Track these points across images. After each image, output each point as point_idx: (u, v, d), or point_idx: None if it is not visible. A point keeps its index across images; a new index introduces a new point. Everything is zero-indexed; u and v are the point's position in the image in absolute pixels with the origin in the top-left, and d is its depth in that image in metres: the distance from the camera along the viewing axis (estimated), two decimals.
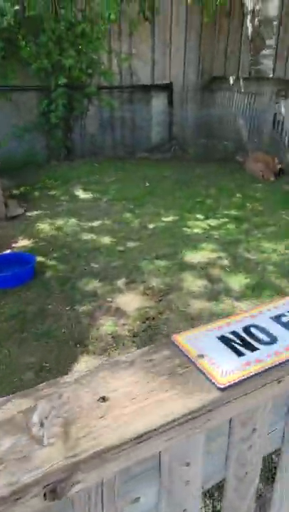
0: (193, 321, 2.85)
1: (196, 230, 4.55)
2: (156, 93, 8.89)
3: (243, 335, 0.75)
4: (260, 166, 6.76)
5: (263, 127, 7.29)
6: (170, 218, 4.90)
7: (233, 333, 0.76)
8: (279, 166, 6.67)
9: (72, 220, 4.80)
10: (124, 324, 2.77)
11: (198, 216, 4.99)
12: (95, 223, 4.76)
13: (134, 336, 2.61)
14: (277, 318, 0.80)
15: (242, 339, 0.75)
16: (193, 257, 3.87)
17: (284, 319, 0.80)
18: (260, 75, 7.76)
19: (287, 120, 6.65)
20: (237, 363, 0.69)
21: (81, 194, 5.79)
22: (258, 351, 0.72)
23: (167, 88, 8.99)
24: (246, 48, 8.76)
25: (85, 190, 5.94)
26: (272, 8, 7.74)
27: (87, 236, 4.38)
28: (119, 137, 8.64)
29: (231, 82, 8.30)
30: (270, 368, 0.69)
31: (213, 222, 4.81)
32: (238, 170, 7.22)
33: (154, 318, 2.86)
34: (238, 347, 0.73)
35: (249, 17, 8.10)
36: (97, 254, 3.94)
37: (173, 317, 2.90)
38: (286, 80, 6.75)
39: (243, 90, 7.91)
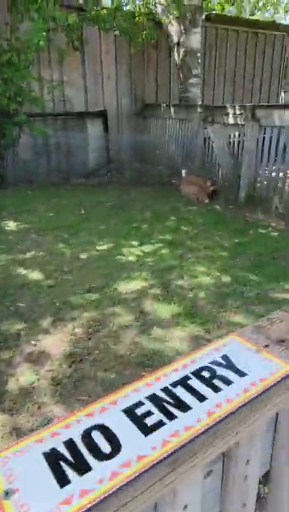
0: (123, 358, 2.69)
1: (130, 258, 4.44)
2: (92, 120, 8.86)
3: (80, 446, 0.56)
4: (194, 188, 6.87)
5: (195, 151, 7.45)
6: (104, 246, 4.76)
7: (68, 443, 0.57)
8: (212, 188, 6.81)
9: (1, 254, 4.50)
10: (47, 370, 2.54)
11: (133, 243, 4.89)
12: (26, 256, 4.50)
13: (57, 384, 2.39)
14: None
15: (75, 452, 0.56)
16: (126, 287, 3.74)
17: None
18: (189, 102, 8.01)
19: (216, 144, 6.84)
20: (52, 501, 0.49)
21: (12, 225, 5.50)
22: (89, 475, 0.53)
23: (102, 115, 9.00)
24: (176, 77, 9.06)
25: (16, 220, 5.66)
26: (195, 41, 8.07)
27: (16, 271, 4.11)
28: (55, 164, 8.46)
29: (162, 109, 8.47)
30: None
31: (147, 248, 4.73)
32: (174, 193, 7.29)
33: (81, 360, 2.66)
34: (65, 467, 0.53)
35: (175, 48, 8.38)
36: (25, 291, 3.68)
37: (102, 357, 2.72)
38: (213, 106, 6.98)
39: (174, 117, 8.09)
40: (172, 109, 8.15)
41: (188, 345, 2.82)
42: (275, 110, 5.51)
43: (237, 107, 6.23)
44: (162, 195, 7.20)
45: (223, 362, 0.74)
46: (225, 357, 0.76)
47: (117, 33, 7.36)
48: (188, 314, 3.27)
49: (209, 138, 7.07)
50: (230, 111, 6.37)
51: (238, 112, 6.19)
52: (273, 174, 5.84)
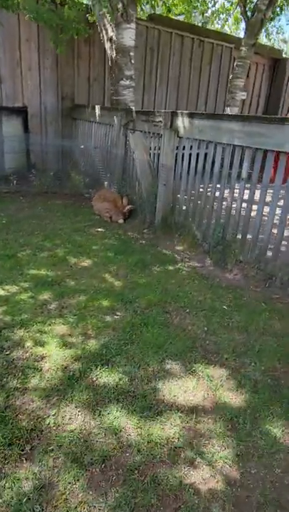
0: None
1: None
2: (8, 117, 7.32)
3: None
4: (107, 205, 5.54)
5: (115, 162, 6.14)
6: None
7: None
8: (128, 208, 5.51)
9: None
10: None
11: None
12: None
13: None
14: None
15: None
16: None
17: None
18: (121, 105, 6.67)
19: (136, 156, 5.55)
20: None
21: None
22: None
23: (22, 112, 7.48)
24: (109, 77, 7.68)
25: None
26: (128, 38, 6.74)
27: None
28: None
29: (88, 111, 7.10)
30: None
31: (5, 290, 3.31)
32: (87, 209, 5.96)
33: None
34: None
35: (108, 45, 7.01)
36: None
37: None
38: (135, 111, 5.68)
39: (98, 121, 6.74)
40: (97, 112, 6.80)
41: None
42: (197, 120, 4.28)
43: (157, 113, 4.96)
44: (72, 210, 5.84)
45: None
46: None
47: (28, 16, 5.88)
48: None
49: (130, 147, 5.78)
50: (151, 117, 5.09)
51: (156, 119, 4.92)
52: (193, 197, 4.61)
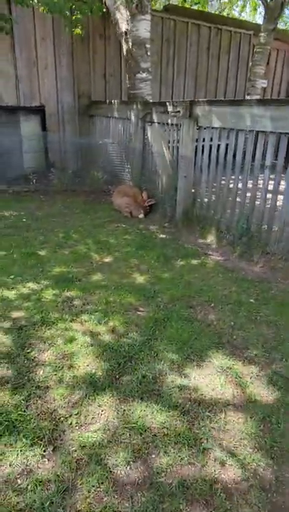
0: None
1: None
2: (26, 116, 7.34)
3: None
4: (127, 200, 5.45)
5: (133, 156, 6.05)
6: None
7: None
8: (149, 201, 5.40)
9: None
10: None
11: (8, 280, 3.44)
12: None
13: None
14: None
15: None
16: None
17: None
18: (138, 99, 6.57)
19: (155, 149, 5.43)
20: None
21: None
22: None
23: (39, 111, 7.49)
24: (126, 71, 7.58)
25: None
26: (143, 30, 6.62)
27: None
28: None
29: (106, 107, 7.02)
30: None
31: (27, 287, 3.29)
32: (107, 205, 5.90)
33: None
34: None
35: (123, 38, 6.91)
36: None
37: None
38: (153, 103, 5.56)
39: (116, 116, 6.66)
40: (115, 107, 6.72)
41: None
42: (217, 107, 4.12)
43: (175, 103, 4.82)
44: (91, 207, 5.80)
45: None
46: None
47: (41, 9, 5.82)
48: None
49: (148, 141, 5.67)
50: (169, 108, 4.96)
51: (175, 110, 4.79)
52: (215, 188, 4.46)
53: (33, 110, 7.35)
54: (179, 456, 1.79)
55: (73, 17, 6.32)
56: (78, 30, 6.64)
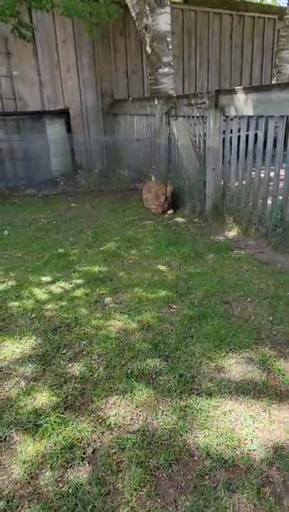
0: None
1: (25, 305, 3.02)
2: (51, 120, 7.44)
3: None
4: (154, 197, 5.40)
5: (159, 152, 5.99)
6: (0, 286, 3.35)
7: None
8: (164, 198, 5.31)
9: None
10: None
11: (44, 278, 3.48)
12: None
13: None
14: None
15: None
16: None
17: None
18: (161, 95, 6.50)
19: (180, 142, 5.34)
20: None
21: None
22: None
23: (64, 114, 7.58)
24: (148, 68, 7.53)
25: None
26: (163, 23, 6.53)
27: None
28: (9, 172, 7.09)
29: (129, 104, 7.00)
30: None
31: (60, 287, 3.31)
32: (135, 203, 5.88)
33: None
34: None
35: (143, 34, 6.86)
36: None
37: None
38: (176, 96, 5.47)
39: (139, 112, 6.61)
40: (138, 104, 6.68)
41: None
42: (244, 94, 3.97)
43: (200, 94, 4.71)
44: (119, 206, 5.79)
45: None
46: None
47: (60, 11, 5.85)
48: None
49: (173, 136, 5.59)
50: (194, 100, 4.85)
51: (200, 101, 4.68)
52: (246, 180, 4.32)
53: (57, 113, 7.44)
54: (223, 458, 1.71)
55: (92, 21, 6.31)
56: (96, 34, 6.60)
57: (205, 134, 4.76)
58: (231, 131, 4.31)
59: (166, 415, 1.94)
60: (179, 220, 5.02)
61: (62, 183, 6.94)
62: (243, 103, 3.95)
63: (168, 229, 4.68)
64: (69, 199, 6.39)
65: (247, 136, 4.07)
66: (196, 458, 1.73)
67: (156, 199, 5.26)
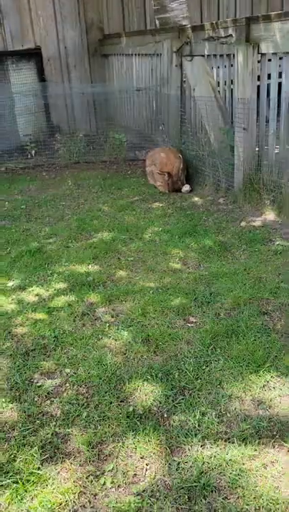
0: None
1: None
2: (17, 63, 7.49)
3: None
4: (157, 169, 5.44)
5: (168, 106, 6.01)
6: None
7: None
8: (166, 173, 5.31)
9: None
10: None
11: (12, 283, 3.52)
12: None
13: None
14: None
15: None
16: None
17: None
18: (170, 25, 6.49)
19: (197, 92, 5.35)
20: None
21: None
22: None
23: (34, 56, 7.61)
24: None
25: None
26: None
27: None
28: None
29: (124, 41, 7.01)
30: None
31: (33, 294, 3.34)
32: (136, 177, 5.93)
33: None
34: None
35: None
36: None
37: None
38: (190, 27, 5.47)
39: (139, 51, 6.62)
40: (136, 40, 6.69)
41: None
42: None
43: (224, 23, 4.71)
44: (114, 183, 5.83)
45: None
46: None
47: None
48: None
49: (188, 83, 5.61)
50: (216, 32, 4.85)
51: (224, 34, 4.68)
52: None
53: (25, 54, 7.47)
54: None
55: None
56: None
57: (232, 81, 4.77)
58: (269, 77, 4.31)
59: (183, 469, 1.95)
60: (197, 200, 5.07)
61: (33, 152, 6.97)
62: (287, 35, 3.95)
63: (182, 213, 4.72)
64: (44, 174, 6.43)
65: None
66: None
67: (165, 173, 5.27)
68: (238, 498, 1.82)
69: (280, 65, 4.17)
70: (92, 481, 1.92)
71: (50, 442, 2.11)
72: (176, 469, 1.95)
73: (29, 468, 1.98)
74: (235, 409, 2.23)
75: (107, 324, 2.94)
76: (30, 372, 2.55)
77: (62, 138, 7.21)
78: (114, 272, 3.60)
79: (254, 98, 4.44)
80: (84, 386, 2.43)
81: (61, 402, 2.34)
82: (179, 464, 1.97)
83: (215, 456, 1.99)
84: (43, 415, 2.27)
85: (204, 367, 2.50)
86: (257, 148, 4.62)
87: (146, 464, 1.98)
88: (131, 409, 2.25)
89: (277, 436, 2.07)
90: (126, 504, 1.82)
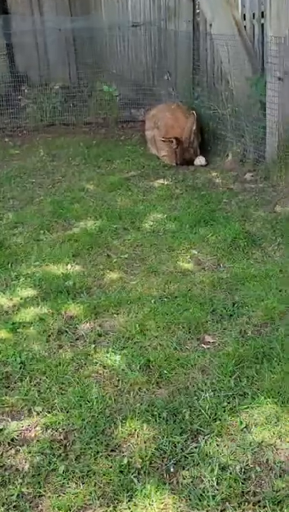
0: None
1: None
2: None
3: None
4: (160, 134, 5.57)
5: (176, 49, 6.08)
6: None
7: None
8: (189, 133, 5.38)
9: None
10: None
11: None
12: None
13: None
14: None
15: None
16: None
17: None
18: None
19: (215, 30, 5.40)
20: None
21: None
22: None
23: None
24: None
25: None
26: None
27: None
28: None
29: None
30: None
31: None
32: (134, 146, 6.07)
33: None
34: None
35: None
36: None
37: None
38: None
39: None
40: None
41: None
42: None
43: None
44: (101, 152, 5.96)
45: None
46: None
47: None
48: None
49: (203, 20, 5.67)
50: None
51: None
52: None
53: None
54: None
55: None
56: None
57: (263, 13, 4.84)
58: None
59: None
60: (216, 176, 5.17)
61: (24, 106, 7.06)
62: None
63: (195, 194, 4.80)
64: (6, 140, 6.55)
65: None
66: None
67: (172, 139, 5.35)
68: None
69: None
70: None
71: (14, 507, 2.12)
72: None
73: None
74: (267, 461, 2.24)
75: (93, 346, 2.97)
76: None
77: (32, 91, 7.28)
78: (102, 274, 3.65)
79: None
80: (61, 430, 2.44)
81: (30, 452, 2.35)
82: None
83: None
84: (5, 470, 2.28)
85: (225, 403, 2.53)
86: None
87: None
88: (125, 461, 2.26)
89: None
90: None
